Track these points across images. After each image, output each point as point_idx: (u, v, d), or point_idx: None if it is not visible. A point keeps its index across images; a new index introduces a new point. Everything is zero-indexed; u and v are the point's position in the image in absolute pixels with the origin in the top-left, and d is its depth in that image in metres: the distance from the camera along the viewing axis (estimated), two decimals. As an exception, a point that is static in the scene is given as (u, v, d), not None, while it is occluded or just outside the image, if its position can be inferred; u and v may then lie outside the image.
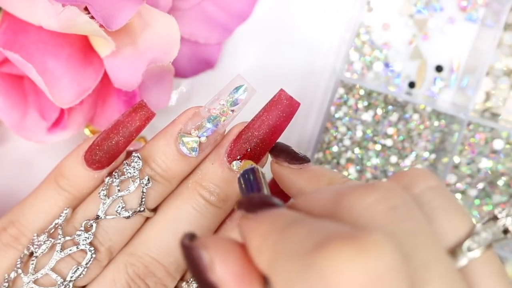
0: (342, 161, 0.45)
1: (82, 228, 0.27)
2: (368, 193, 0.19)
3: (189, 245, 0.20)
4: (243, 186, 0.24)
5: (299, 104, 0.27)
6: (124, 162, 0.28)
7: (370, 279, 0.16)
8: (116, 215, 0.27)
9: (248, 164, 0.26)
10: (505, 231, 0.21)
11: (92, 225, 0.27)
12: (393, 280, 0.16)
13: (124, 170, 0.28)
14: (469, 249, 0.20)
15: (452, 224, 0.21)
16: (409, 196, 0.20)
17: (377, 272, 0.16)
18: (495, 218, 0.21)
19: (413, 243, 0.18)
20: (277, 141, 0.28)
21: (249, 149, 0.27)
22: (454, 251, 0.20)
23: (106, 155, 0.28)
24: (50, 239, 0.27)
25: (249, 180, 0.24)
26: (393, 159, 0.45)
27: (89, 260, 0.27)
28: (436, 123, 0.44)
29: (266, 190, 0.23)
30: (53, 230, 0.27)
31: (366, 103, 0.44)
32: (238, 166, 0.27)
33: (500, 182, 0.45)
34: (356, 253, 0.16)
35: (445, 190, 0.21)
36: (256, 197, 0.21)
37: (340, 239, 0.16)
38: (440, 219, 0.21)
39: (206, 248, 0.19)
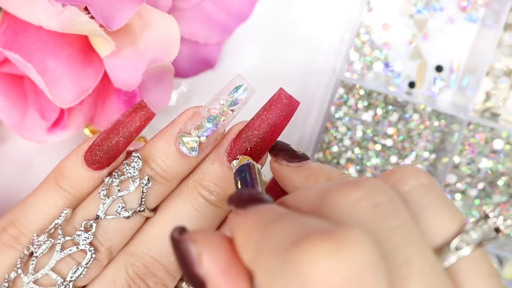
0: (342, 161, 0.45)
1: (82, 228, 0.27)
2: (352, 190, 0.19)
3: (178, 239, 0.20)
4: (238, 181, 0.24)
5: (298, 103, 0.27)
6: (124, 162, 0.28)
7: (346, 275, 0.16)
8: (116, 215, 0.27)
9: (245, 159, 0.26)
10: (497, 230, 0.20)
11: (92, 225, 0.27)
12: (370, 277, 0.16)
13: (124, 170, 0.28)
14: (457, 248, 0.20)
15: (440, 222, 0.20)
16: (395, 193, 0.20)
17: (353, 269, 0.16)
18: (486, 217, 0.21)
19: (395, 240, 0.18)
20: (276, 139, 0.28)
21: (249, 148, 0.27)
22: (441, 250, 0.20)
23: (106, 155, 0.28)
24: (50, 239, 0.27)
25: (244, 175, 0.24)
26: (393, 159, 0.45)
27: (89, 260, 0.27)
28: (436, 123, 0.44)
29: (260, 186, 0.23)
30: (53, 230, 0.27)
31: (366, 103, 0.44)
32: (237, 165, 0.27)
33: (500, 182, 0.45)
34: (332, 249, 0.16)
35: (435, 187, 0.21)
36: (245, 193, 0.21)
37: (317, 235, 0.16)
38: (428, 217, 0.20)
39: (195, 242, 0.19)
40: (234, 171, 0.25)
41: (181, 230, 0.20)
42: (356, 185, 0.20)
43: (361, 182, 0.20)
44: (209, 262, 0.19)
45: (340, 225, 0.17)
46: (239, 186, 0.24)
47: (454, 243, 0.20)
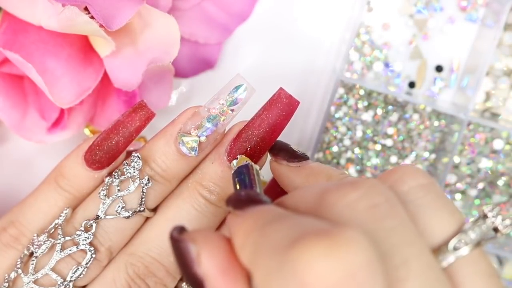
0: (342, 161, 0.45)
1: (82, 228, 0.27)
2: (350, 190, 0.19)
3: (177, 238, 0.20)
4: (236, 182, 0.24)
5: (298, 102, 0.27)
6: (124, 162, 0.28)
7: (342, 275, 0.15)
8: (116, 215, 0.27)
9: (244, 160, 0.26)
10: (495, 230, 0.20)
11: (92, 225, 0.27)
12: (367, 277, 0.16)
13: (124, 170, 0.28)
14: (455, 248, 0.20)
15: (438, 222, 0.20)
16: (393, 193, 0.20)
17: (350, 269, 0.16)
18: (485, 217, 0.21)
19: (393, 240, 0.18)
20: (276, 139, 0.28)
21: (249, 148, 0.27)
22: (440, 250, 0.20)
23: (106, 155, 0.28)
24: (50, 239, 0.27)
25: (243, 177, 0.24)
26: (393, 159, 0.45)
27: (89, 260, 0.27)
28: (436, 123, 0.44)
29: (258, 187, 0.23)
30: (53, 230, 0.27)
31: (366, 103, 0.44)
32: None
33: (500, 182, 0.45)
34: (329, 249, 0.16)
35: (434, 187, 0.21)
36: (243, 194, 0.21)
37: (314, 235, 0.16)
38: (426, 216, 0.20)
39: (194, 241, 0.19)
40: (232, 171, 0.25)
41: (181, 229, 0.20)
42: (354, 185, 0.20)
43: (359, 183, 0.20)
44: (208, 262, 0.19)
45: (337, 225, 0.17)
46: (238, 187, 0.24)
47: (452, 243, 0.20)
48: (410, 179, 0.21)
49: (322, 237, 0.16)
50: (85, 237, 0.27)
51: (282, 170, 0.27)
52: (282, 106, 0.27)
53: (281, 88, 0.27)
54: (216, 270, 0.19)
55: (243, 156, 0.27)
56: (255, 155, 0.27)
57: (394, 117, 0.44)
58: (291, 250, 0.16)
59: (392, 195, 0.20)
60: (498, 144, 0.44)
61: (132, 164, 0.27)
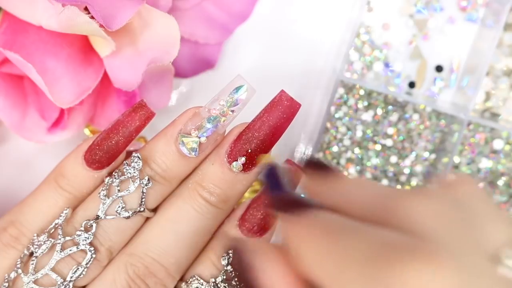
0: (342, 161, 0.45)
1: (82, 228, 0.27)
2: (419, 199, 0.19)
3: (241, 249, 0.20)
4: (267, 184, 0.23)
5: (300, 105, 0.27)
6: (124, 162, 0.28)
7: None
8: (116, 215, 0.27)
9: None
10: None
11: (92, 225, 0.27)
12: None
13: (124, 170, 0.28)
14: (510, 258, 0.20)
15: (496, 231, 0.20)
16: (460, 203, 0.20)
17: None
18: None
19: (467, 251, 0.18)
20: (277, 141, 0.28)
21: (249, 150, 0.27)
22: (496, 259, 0.20)
23: (106, 155, 0.28)
24: (50, 239, 0.27)
25: (275, 178, 0.23)
26: (393, 159, 0.45)
27: (89, 260, 0.27)
28: (436, 123, 0.44)
29: (294, 189, 0.23)
30: (53, 230, 0.27)
31: (366, 103, 0.44)
32: (238, 167, 0.27)
33: (500, 182, 0.45)
34: (427, 269, 0.16)
35: (489, 198, 0.21)
36: (292, 196, 0.21)
37: (410, 254, 0.16)
38: (485, 226, 0.20)
39: (258, 253, 0.19)
40: (237, 175, 0.25)
41: (238, 239, 0.20)
42: (422, 194, 0.19)
43: (427, 192, 0.20)
44: (273, 274, 0.19)
45: (426, 241, 0.17)
46: (270, 189, 0.23)
47: (509, 253, 0.20)
48: (466, 189, 0.21)
49: (420, 256, 0.16)
50: (85, 237, 0.27)
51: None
52: (283, 109, 0.27)
53: (282, 91, 0.27)
54: (281, 282, 0.19)
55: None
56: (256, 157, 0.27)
57: (394, 117, 0.44)
58: (386, 268, 0.16)
59: (460, 204, 0.20)
60: (498, 144, 0.44)
61: (132, 164, 0.27)
